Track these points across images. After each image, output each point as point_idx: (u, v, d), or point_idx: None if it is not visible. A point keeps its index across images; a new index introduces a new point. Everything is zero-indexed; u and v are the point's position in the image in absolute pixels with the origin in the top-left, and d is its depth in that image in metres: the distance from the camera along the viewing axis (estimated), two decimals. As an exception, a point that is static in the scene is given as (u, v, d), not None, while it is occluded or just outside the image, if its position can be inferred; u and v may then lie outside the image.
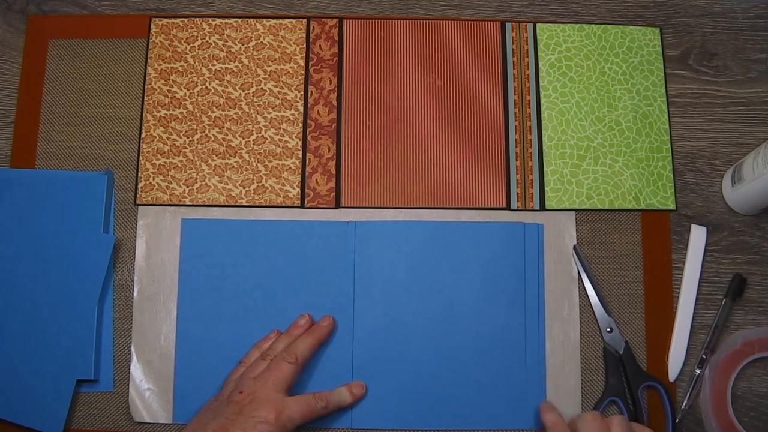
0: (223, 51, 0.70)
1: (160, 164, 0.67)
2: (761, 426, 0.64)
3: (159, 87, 0.69)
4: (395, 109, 0.69)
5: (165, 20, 0.70)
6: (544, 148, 0.68)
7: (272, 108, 0.69)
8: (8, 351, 0.62)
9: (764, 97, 0.70)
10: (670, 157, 0.69)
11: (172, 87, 0.69)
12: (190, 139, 0.68)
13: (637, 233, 0.67)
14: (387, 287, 0.65)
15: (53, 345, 0.62)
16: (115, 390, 0.63)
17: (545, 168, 0.68)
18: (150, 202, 0.67)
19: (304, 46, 0.70)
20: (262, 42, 0.70)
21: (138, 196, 0.67)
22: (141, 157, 0.67)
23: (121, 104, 0.69)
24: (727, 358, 0.64)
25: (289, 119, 0.68)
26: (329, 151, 0.68)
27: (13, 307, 0.63)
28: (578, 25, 0.71)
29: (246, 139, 0.68)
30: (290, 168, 0.67)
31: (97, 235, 0.64)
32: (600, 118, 0.69)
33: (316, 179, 0.67)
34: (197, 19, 0.71)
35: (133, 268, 0.65)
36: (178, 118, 0.68)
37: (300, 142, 0.68)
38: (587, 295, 0.65)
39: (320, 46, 0.70)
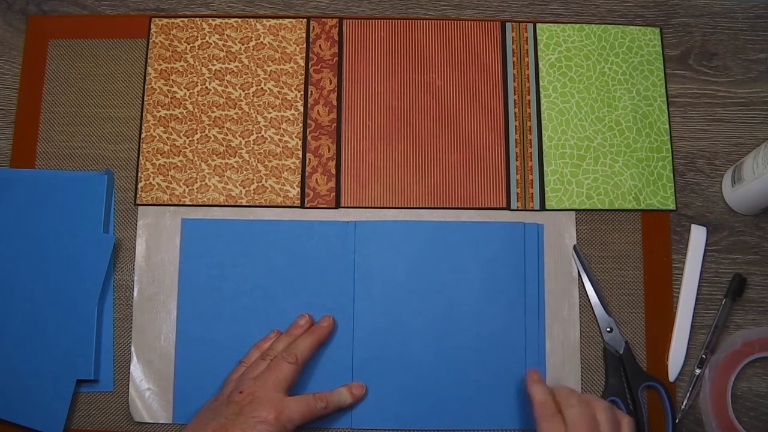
0: (223, 51, 0.70)
1: (160, 164, 0.67)
2: (761, 426, 0.64)
3: (159, 87, 0.69)
4: (395, 109, 0.69)
5: (165, 20, 0.70)
6: (544, 148, 0.68)
7: (272, 108, 0.69)
8: (8, 351, 0.62)
9: (764, 97, 0.70)
10: (670, 157, 0.69)
11: (172, 87, 0.69)
12: (190, 139, 0.68)
13: (637, 233, 0.67)
14: (387, 287, 0.65)
15: (53, 345, 0.62)
16: (115, 390, 0.63)
17: (545, 168, 0.68)
18: (150, 202, 0.67)
19: (304, 46, 0.70)
20: (262, 42, 0.70)
21: (138, 196, 0.67)
22: (141, 157, 0.67)
23: (121, 104, 0.69)
24: (727, 358, 0.64)
25: (289, 119, 0.68)
26: (329, 151, 0.68)
27: (13, 307, 0.63)
28: (578, 25, 0.71)
29: (246, 139, 0.68)
30: (290, 168, 0.67)
31: (97, 235, 0.64)
32: (600, 118, 0.69)
33: (316, 179, 0.67)
34: (197, 19, 0.71)
35: (133, 268, 0.65)
36: (178, 118, 0.68)
37: (300, 142, 0.68)
38: (587, 295, 0.65)
39: (320, 46, 0.70)
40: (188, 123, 0.68)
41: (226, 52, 0.70)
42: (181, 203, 0.66)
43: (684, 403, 0.64)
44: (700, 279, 0.66)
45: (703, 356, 0.64)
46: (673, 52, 0.71)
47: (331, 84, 0.69)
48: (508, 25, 0.71)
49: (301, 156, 0.68)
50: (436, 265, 0.65)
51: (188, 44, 0.70)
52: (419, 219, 0.66)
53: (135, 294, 0.65)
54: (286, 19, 0.71)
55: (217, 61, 0.69)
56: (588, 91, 0.70)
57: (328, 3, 0.72)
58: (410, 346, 0.64)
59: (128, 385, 0.63)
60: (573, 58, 0.70)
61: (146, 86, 0.69)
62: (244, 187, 0.67)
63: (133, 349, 0.64)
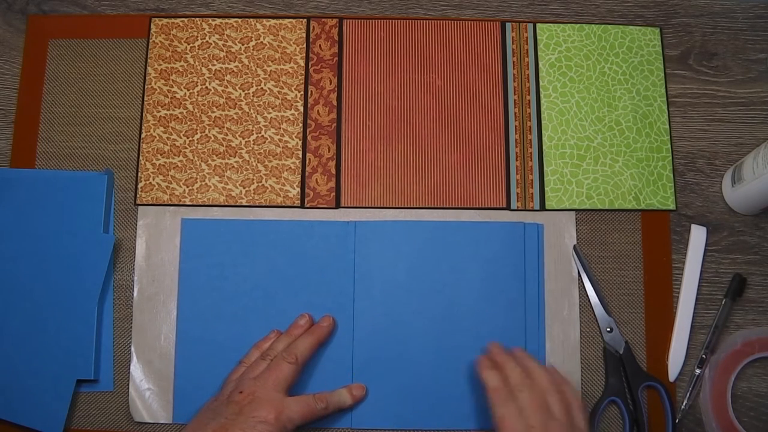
0: (223, 51, 0.70)
1: (160, 164, 0.67)
2: (761, 426, 0.64)
3: (159, 87, 0.69)
4: (395, 109, 0.69)
5: (165, 20, 0.70)
6: (544, 148, 0.68)
7: (272, 108, 0.69)
8: (8, 351, 0.62)
9: (764, 97, 0.70)
10: (670, 157, 0.69)
11: (172, 87, 0.69)
12: (190, 139, 0.68)
13: (637, 233, 0.67)
14: (387, 287, 0.65)
15: (53, 345, 0.62)
16: (115, 390, 0.64)
17: (545, 168, 0.68)
18: (150, 202, 0.67)
19: (304, 46, 0.70)
20: (262, 42, 0.70)
21: (138, 196, 0.67)
22: (141, 157, 0.67)
23: (121, 104, 0.69)
24: (727, 358, 0.64)
25: (289, 119, 0.68)
26: (329, 151, 0.68)
27: (13, 307, 0.63)
28: (578, 25, 0.71)
29: (246, 139, 0.68)
30: (290, 168, 0.67)
31: (97, 235, 0.64)
32: (600, 118, 0.69)
33: (316, 179, 0.67)
34: (197, 19, 0.71)
35: (133, 268, 0.65)
36: (178, 118, 0.68)
37: (300, 142, 0.68)
38: (587, 295, 0.65)
39: (320, 46, 0.70)
40: (188, 123, 0.68)
41: (226, 52, 0.70)
42: (181, 203, 0.66)
43: (684, 403, 0.64)
44: (700, 279, 0.66)
45: (703, 356, 0.64)
46: (673, 52, 0.71)
47: (331, 84, 0.69)
48: (508, 25, 0.71)
49: (301, 156, 0.68)
50: (436, 265, 0.65)
51: (188, 44, 0.70)
52: (419, 219, 0.66)
53: (135, 294, 0.65)
54: (286, 19, 0.71)
55: (217, 61, 0.69)
56: (588, 91, 0.70)
57: (328, 3, 0.72)
58: (410, 346, 0.64)
59: (128, 385, 0.63)
60: (573, 58, 0.70)
61: (146, 86, 0.69)
62: (244, 187, 0.67)
63: (133, 349, 0.64)
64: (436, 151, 0.68)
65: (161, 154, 0.67)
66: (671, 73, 0.71)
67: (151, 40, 0.70)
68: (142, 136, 0.68)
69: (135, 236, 0.66)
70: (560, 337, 0.65)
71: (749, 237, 0.67)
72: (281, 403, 0.56)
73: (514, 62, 0.70)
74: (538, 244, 0.66)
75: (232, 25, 0.70)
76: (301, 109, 0.69)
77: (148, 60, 0.69)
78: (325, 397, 0.59)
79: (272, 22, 0.71)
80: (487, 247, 0.65)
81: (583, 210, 0.67)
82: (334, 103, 0.69)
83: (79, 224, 0.65)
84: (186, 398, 0.63)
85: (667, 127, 0.69)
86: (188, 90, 0.69)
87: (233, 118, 0.68)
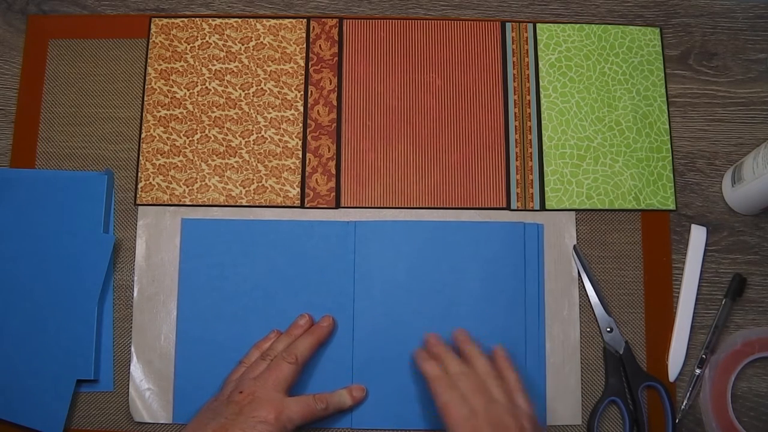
0: (223, 51, 0.70)
1: (160, 164, 0.67)
2: (761, 426, 0.64)
3: (159, 87, 0.69)
4: (395, 109, 0.69)
5: (165, 20, 0.70)
6: (544, 148, 0.68)
7: (272, 108, 0.69)
8: (8, 351, 0.62)
9: (764, 97, 0.70)
10: (670, 157, 0.69)
11: (172, 87, 0.69)
12: (190, 139, 0.68)
13: (637, 233, 0.67)
14: (387, 287, 0.64)
15: (53, 345, 0.62)
16: (115, 390, 0.63)
17: (545, 168, 0.68)
18: (150, 202, 0.67)
19: (304, 46, 0.70)
20: (262, 42, 0.70)
21: (138, 196, 0.67)
22: (141, 157, 0.67)
23: (121, 104, 0.69)
24: (727, 358, 0.64)
25: (289, 119, 0.68)
26: (329, 151, 0.68)
27: (13, 307, 0.63)
28: (578, 25, 0.71)
29: (246, 139, 0.68)
30: (290, 168, 0.67)
31: (97, 235, 0.64)
32: (600, 118, 0.69)
33: (316, 179, 0.67)
34: (197, 19, 0.71)
35: (133, 268, 0.65)
36: (178, 118, 0.68)
37: (300, 142, 0.68)
38: (587, 295, 0.65)
39: (320, 46, 0.70)
40: (188, 123, 0.68)
41: (226, 52, 0.70)
42: (181, 203, 0.66)
43: (684, 403, 0.64)
44: (700, 279, 0.66)
45: (703, 356, 0.64)
46: (673, 52, 0.71)
47: (331, 84, 0.69)
48: (508, 25, 0.71)
49: (301, 156, 0.68)
50: (436, 265, 0.65)
51: (188, 44, 0.70)
52: (419, 219, 0.66)
53: (135, 294, 0.65)
54: (286, 19, 0.71)
55: (217, 61, 0.69)
56: (588, 91, 0.70)
57: (328, 3, 0.72)
58: (410, 346, 0.63)
59: (128, 385, 0.63)
60: (573, 58, 0.70)
61: (146, 86, 0.69)
62: (244, 187, 0.67)
63: (133, 349, 0.64)
64: (436, 151, 0.68)
65: (161, 154, 0.67)
66: (671, 73, 0.71)
67: (151, 40, 0.70)
68: (142, 136, 0.68)
69: (135, 236, 0.66)
70: (560, 337, 0.65)
71: (749, 237, 0.67)
72: (281, 403, 0.56)
73: (514, 62, 0.70)
74: (538, 244, 0.66)
75: (232, 25, 0.70)
76: (301, 109, 0.69)
77: (148, 60, 0.69)
78: (325, 398, 0.59)
79: (272, 22, 0.71)
80: (487, 247, 0.65)
81: (583, 210, 0.67)
82: (334, 103, 0.69)
83: (79, 224, 0.65)
84: (186, 398, 0.63)
85: (667, 127, 0.69)
86: (188, 90, 0.69)
87: (233, 118, 0.68)
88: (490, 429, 0.53)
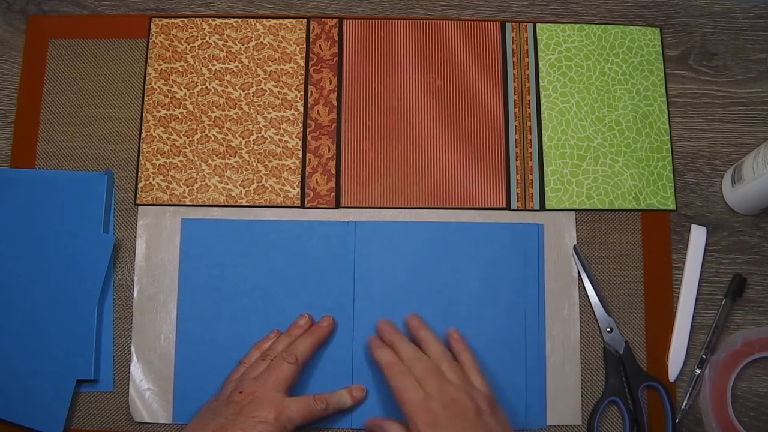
0: (223, 51, 0.70)
1: (160, 164, 0.67)
2: (761, 426, 0.64)
3: (159, 87, 0.69)
4: (395, 109, 0.69)
5: (165, 20, 0.70)
6: (544, 148, 0.68)
7: (272, 108, 0.69)
8: (8, 351, 0.62)
9: (764, 97, 0.70)
10: (670, 157, 0.69)
11: (172, 87, 0.69)
12: (190, 139, 0.68)
13: (637, 233, 0.67)
14: (387, 287, 0.64)
15: (53, 345, 0.62)
16: (115, 390, 0.63)
17: (545, 168, 0.68)
18: (150, 202, 0.67)
19: (304, 46, 0.70)
20: (262, 42, 0.70)
21: (138, 196, 0.67)
22: (141, 157, 0.67)
23: (121, 104, 0.69)
24: (727, 358, 0.64)
25: (289, 119, 0.68)
26: (329, 151, 0.68)
27: (13, 307, 0.63)
28: (578, 25, 0.71)
29: (246, 139, 0.68)
30: (290, 168, 0.67)
31: (97, 235, 0.64)
32: (600, 118, 0.69)
33: (316, 179, 0.67)
34: (197, 19, 0.71)
35: (133, 268, 0.65)
36: (178, 118, 0.68)
37: (300, 142, 0.68)
38: (587, 295, 0.65)
39: (320, 46, 0.70)
40: (188, 123, 0.68)
41: (226, 52, 0.70)
42: (181, 203, 0.66)
43: (684, 403, 0.64)
44: (700, 279, 0.66)
45: (703, 356, 0.64)
46: (673, 52, 0.71)
47: (331, 84, 0.69)
48: (508, 25, 0.71)
49: (301, 156, 0.68)
50: (436, 266, 0.65)
51: (188, 44, 0.70)
52: (419, 219, 0.66)
53: (135, 294, 0.65)
54: (286, 19, 0.71)
55: (217, 61, 0.69)
56: (588, 91, 0.70)
57: (328, 3, 0.72)
58: (410, 346, 0.63)
59: (128, 385, 0.63)
60: (573, 58, 0.70)
61: (146, 86, 0.69)
62: (244, 187, 0.67)
63: (133, 349, 0.64)
64: (436, 151, 0.68)
65: (161, 154, 0.67)
66: (671, 73, 0.71)
67: (151, 40, 0.70)
68: (142, 136, 0.68)
69: (135, 236, 0.66)
70: (560, 337, 0.65)
71: (749, 237, 0.67)
72: (281, 404, 0.56)
73: (514, 62, 0.70)
74: (538, 244, 0.66)
75: (232, 25, 0.70)
76: (301, 109, 0.69)
77: (148, 60, 0.69)
78: (325, 398, 0.59)
79: (272, 22, 0.71)
80: (487, 248, 0.65)
81: (583, 210, 0.67)
82: (334, 103, 0.69)
83: (79, 224, 0.65)
84: (186, 398, 0.63)
85: (667, 127, 0.69)
86: (188, 90, 0.69)
87: (233, 118, 0.68)
88: (445, 411, 0.54)
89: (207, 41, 0.70)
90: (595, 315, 0.65)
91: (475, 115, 0.69)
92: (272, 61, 0.70)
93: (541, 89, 0.69)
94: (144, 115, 0.68)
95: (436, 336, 0.60)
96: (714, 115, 0.70)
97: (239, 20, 0.70)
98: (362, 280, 0.65)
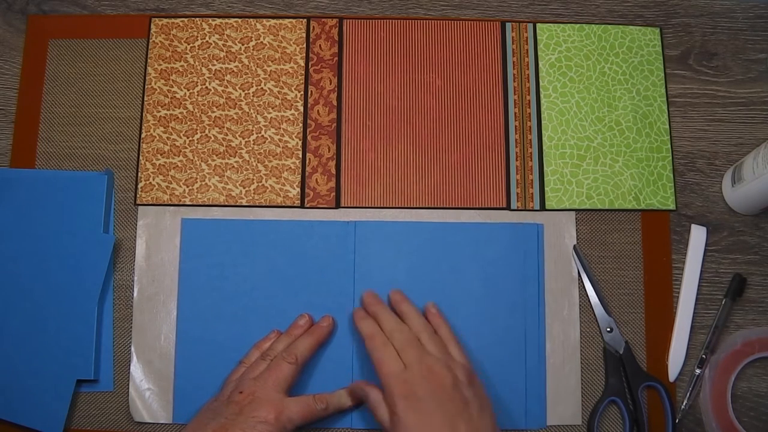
0: (223, 51, 0.70)
1: (160, 164, 0.67)
2: (761, 426, 0.64)
3: (159, 87, 0.69)
4: (395, 109, 0.69)
5: (165, 20, 0.70)
6: (544, 148, 0.68)
7: (272, 108, 0.69)
8: (8, 351, 0.62)
9: (764, 97, 0.70)
10: (670, 157, 0.69)
11: (172, 87, 0.69)
12: (190, 139, 0.68)
13: (637, 233, 0.67)
14: (387, 287, 0.64)
15: (53, 345, 0.62)
16: (115, 390, 0.64)
17: (545, 168, 0.68)
18: (150, 202, 0.67)
19: (304, 46, 0.70)
20: (262, 42, 0.70)
21: (138, 196, 0.67)
22: (141, 157, 0.67)
23: (121, 104, 0.69)
24: (727, 358, 0.64)
25: (289, 119, 0.68)
26: (329, 151, 0.68)
27: (13, 307, 0.63)
28: (578, 25, 0.71)
29: (246, 139, 0.68)
30: (290, 168, 0.67)
31: (97, 235, 0.64)
32: (600, 118, 0.69)
33: (316, 179, 0.67)
34: (197, 19, 0.71)
35: (133, 268, 0.65)
36: (178, 118, 0.68)
37: (300, 142, 0.68)
38: (587, 295, 0.65)
39: (320, 46, 0.70)
40: (188, 123, 0.68)
41: (226, 52, 0.70)
42: (181, 203, 0.66)
43: (684, 403, 0.64)
44: (700, 279, 0.66)
45: (703, 356, 0.64)
46: (673, 52, 0.71)
47: (331, 84, 0.69)
48: (508, 25, 0.71)
49: (301, 156, 0.68)
50: (436, 266, 0.65)
51: (188, 44, 0.70)
52: (419, 219, 0.66)
53: (135, 294, 0.65)
54: (286, 19, 0.71)
55: (217, 61, 0.69)
56: (588, 91, 0.70)
57: (328, 3, 0.72)
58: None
59: (128, 385, 0.63)
60: (573, 58, 0.70)
61: (146, 86, 0.69)
62: (244, 187, 0.67)
63: (133, 349, 0.64)
64: (436, 151, 0.68)
65: (161, 154, 0.67)
66: (671, 73, 0.71)
67: (151, 40, 0.70)
68: (142, 136, 0.68)
69: (135, 236, 0.66)
70: (560, 337, 0.65)
71: (749, 237, 0.67)
72: (281, 404, 0.56)
73: (514, 62, 0.70)
74: (538, 244, 0.66)
75: (232, 25, 0.70)
76: (301, 109, 0.69)
77: (148, 60, 0.69)
78: (325, 398, 0.59)
79: (272, 22, 0.71)
80: (487, 248, 0.65)
81: (583, 210, 0.67)
82: (334, 103, 0.69)
83: (79, 224, 0.65)
84: (186, 398, 0.63)
85: (667, 127, 0.69)
86: (188, 90, 0.69)
87: (233, 118, 0.68)
88: (423, 381, 0.54)
89: (207, 41, 0.70)
90: (595, 315, 0.65)
91: (475, 115, 0.69)
92: (272, 61, 0.70)
93: (541, 89, 0.69)
94: (144, 115, 0.68)
95: (417, 310, 0.62)
96: (714, 115, 0.70)
97: (239, 20, 0.70)
98: (362, 280, 0.65)
